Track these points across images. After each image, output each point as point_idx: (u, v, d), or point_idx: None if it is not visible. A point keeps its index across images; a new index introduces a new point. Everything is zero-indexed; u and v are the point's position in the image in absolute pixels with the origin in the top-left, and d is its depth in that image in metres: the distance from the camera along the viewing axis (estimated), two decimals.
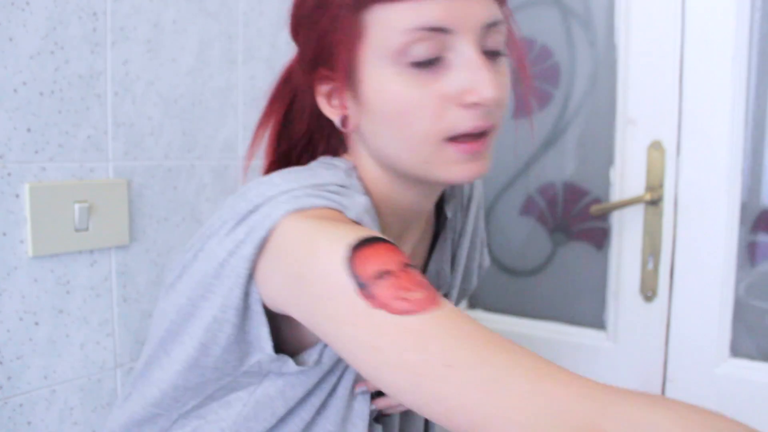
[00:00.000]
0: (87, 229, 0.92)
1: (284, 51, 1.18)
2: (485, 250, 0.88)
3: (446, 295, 0.80)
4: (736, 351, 1.05)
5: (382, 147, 0.61)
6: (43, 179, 0.88)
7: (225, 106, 1.12)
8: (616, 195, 1.13)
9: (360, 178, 0.64)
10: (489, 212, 1.31)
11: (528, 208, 1.26)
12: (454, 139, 0.57)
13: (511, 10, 0.65)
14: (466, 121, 0.56)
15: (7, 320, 0.85)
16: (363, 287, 0.49)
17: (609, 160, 1.14)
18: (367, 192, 0.64)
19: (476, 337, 0.47)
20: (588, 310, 1.20)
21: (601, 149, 1.15)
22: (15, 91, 0.84)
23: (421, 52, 0.55)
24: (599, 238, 1.18)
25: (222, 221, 0.59)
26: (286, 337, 0.62)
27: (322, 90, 0.63)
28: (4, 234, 0.85)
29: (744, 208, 1.03)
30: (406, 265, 0.50)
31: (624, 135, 1.11)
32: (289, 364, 0.61)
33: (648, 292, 1.10)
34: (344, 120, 0.62)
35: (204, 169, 1.10)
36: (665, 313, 1.09)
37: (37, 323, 0.89)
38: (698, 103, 1.03)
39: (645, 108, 1.08)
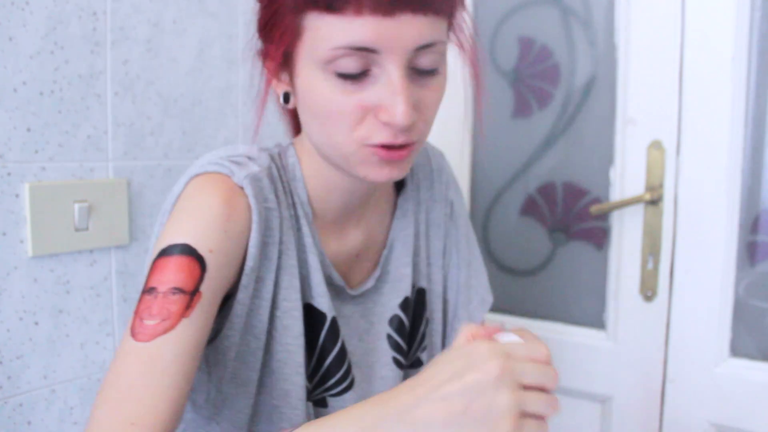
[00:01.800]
0: (87, 228, 0.92)
1: None
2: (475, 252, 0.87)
3: (420, 289, 0.81)
4: (736, 351, 1.05)
5: (311, 135, 0.65)
6: (43, 179, 0.88)
7: (225, 106, 1.12)
8: (616, 195, 1.13)
9: (297, 156, 0.70)
10: (489, 212, 1.31)
11: (528, 208, 1.26)
12: (370, 144, 0.60)
13: (466, 24, 0.65)
14: (380, 136, 0.59)
15: (7, 320, 0.85)
16: (143, 290, 0.58)
17: (609, 160, 1.14)
18: (302, 169, 0.70)
19: (132, 382, 0.53)
20: (588, 310, 1.20)
21: (601, 149, 1.15)
22: (15, 90, 0.84)
23: (348, 66, 0.57)
24: (599, 238, 1.18)
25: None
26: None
27: (269, 65, 0.66)
28: (4, 234, 0.85)
29: (744, 207, 1.03)
30: (175, 290, 0.57)
31: (624, 135, 1.11)
32: None
33: (648, 292, 1.10)
34: (287, 96, 0.65)
35: None
36: (665, 313, 1.08)
37: (37, 323, 0.89)
38: (698, 103, 1.03)
39: (645, 108, 1.08)
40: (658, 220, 1.08)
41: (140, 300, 0.58)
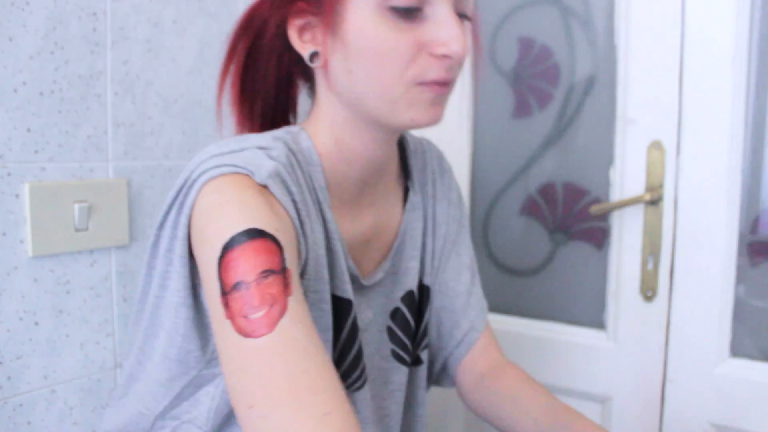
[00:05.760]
0: (87, 229, 0.92)
1: None
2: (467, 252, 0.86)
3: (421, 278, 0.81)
4: (736, 351, 1.05)
5: (352, 86, 0.64)
6: (43, 179, 0.88)
7: (225, 106, 1.12)
8: (616, 195, 1.13)
9: (311, 138, 0.68)
10: (489, 212, 1.31)
11: (528, 208, 1.26)
12: (422, 82, 0.62)
13: None
14: (434, 71, 0.61)
15: (7, 320, 0.85)
16: (223, 294, 0.51)
17: (609, 160, 1.14)
18: (316, 147, 0.67)
19: (287, 375, 0.48)
20: (588, 310, 1.20)
21: (601, 149, 1.15)
22: (15, 91, 0.84)
23: (402, 1, 0.59)
24: (599, 238, 1.18)
25: (168, 199, 0.62)
26: None
27: (295, 24, 0.65)
28: (4, 234, 0.85)
29: (744, 207, 1.03)
30: (265, 273, 0.51)
31: (624, 135, 1.11)
32: None
33: (648, 292, 1.10)
34: (313, 56, 0.65)
35: None
36: (665, 313, 1.08)
37: (37, 323, 0.89)
38: (698, 103, 1.03)
39: (645, 108, 1.08)
40: (658, 221, 1.08)
41: (227, 302, 0.51)
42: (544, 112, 1.22)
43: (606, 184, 1.15)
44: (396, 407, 0.79)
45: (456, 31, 0.60)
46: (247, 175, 0.58)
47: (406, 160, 0.81)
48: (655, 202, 1.08)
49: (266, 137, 0.64)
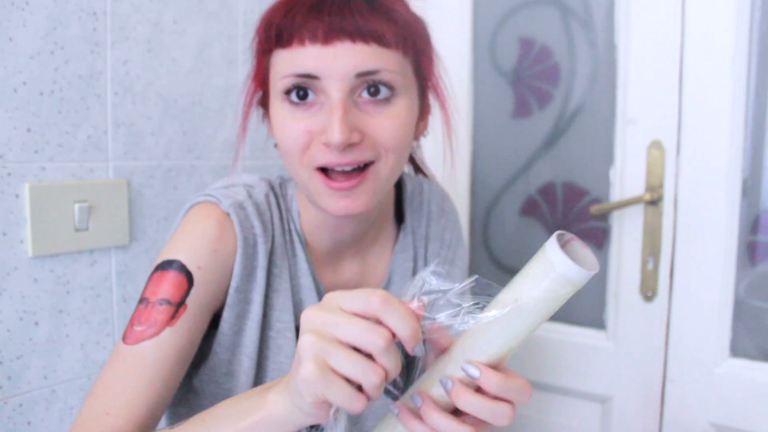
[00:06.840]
0: (87, 229, 0.92)
1: None
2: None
3: None
4: (736, 351, 1.05)
5: (287, 170, 0.69)
6: (43, 179, 0.88)
7: (225, 106, 1.12)
8: (616, 195, 1.13)
9: (297, 188, 0.74)
10: (489, 212, 1.31)
11: (528, 208, 1.26)
12: (325, 172, 0.64)
13: (429, 58, 0.69)
14: (322, 157, 0.63)
15: (7, 320, 0.85)
16: (139, 300, 0.65)
17: (609, 160, 1.14)
18: (298, 202, 0.74)
19: (116, 380, 0.60)
20: (588, 310, 1.20)
21: (601, 149, 1.15)
22: (15, 91, 0.84)
23: (296, 93, 0.63)
24: (599, 238, 1.18)
25: None
26: None
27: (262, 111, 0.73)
28: (4, 234, 0.85)
29: (744, 207, 1.03)
30: (163, 301, 0.63)
31: (624, 135, 1.11)
32: None
33: (648, 292, 1.10)
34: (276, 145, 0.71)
35: (204, 169, 1.10)
36: (665, 313, 1.08)
37: (37, 323, 0.89)
38: (698, 103, 1.03)
39: (645, 108, 1.08)
40: (658, 220, 1.08)
41: (135, 309, 0.64)
42: (544, 112, 1.22)
43: (606, 184, 1.15)
44: None
45: (335, 119, 0.60)
46: (216, 204, 0.68)
47: (401, 202, 0.83)
48: (655, 202, 1.08)
49: (256, 178, 0.74)
